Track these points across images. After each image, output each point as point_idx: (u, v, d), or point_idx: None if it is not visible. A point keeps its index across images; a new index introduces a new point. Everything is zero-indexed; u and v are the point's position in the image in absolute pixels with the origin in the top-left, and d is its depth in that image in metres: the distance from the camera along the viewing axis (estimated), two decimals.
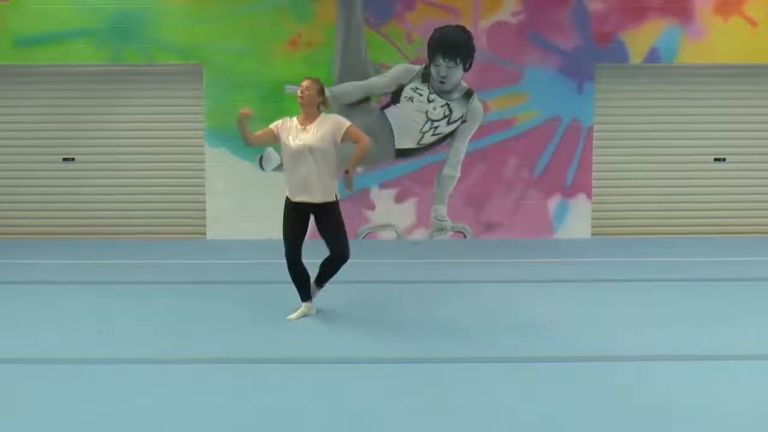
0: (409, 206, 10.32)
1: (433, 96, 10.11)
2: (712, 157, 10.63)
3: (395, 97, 10.11)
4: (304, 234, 6.02)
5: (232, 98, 10.12)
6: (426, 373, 4.84)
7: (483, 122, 10.22)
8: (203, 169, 10.33)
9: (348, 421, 4.05)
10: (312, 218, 6.03)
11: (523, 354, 5.20)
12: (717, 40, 10.20)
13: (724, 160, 10.62)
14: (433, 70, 10.12)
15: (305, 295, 6.19)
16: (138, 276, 7.90)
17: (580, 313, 6.30)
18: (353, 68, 10.13)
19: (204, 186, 10.36)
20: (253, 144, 6.14)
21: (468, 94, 10.13)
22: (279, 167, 10.23)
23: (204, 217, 10.39)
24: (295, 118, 6.01)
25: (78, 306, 6.63)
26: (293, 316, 6.14)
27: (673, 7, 10.18)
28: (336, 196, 6.02)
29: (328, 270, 6.16)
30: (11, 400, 4.37)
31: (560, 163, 10.31)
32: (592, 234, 10.45)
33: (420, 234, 10.24)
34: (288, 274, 6.10)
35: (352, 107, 10.10)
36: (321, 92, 5.96)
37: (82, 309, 6.51)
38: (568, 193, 10.36)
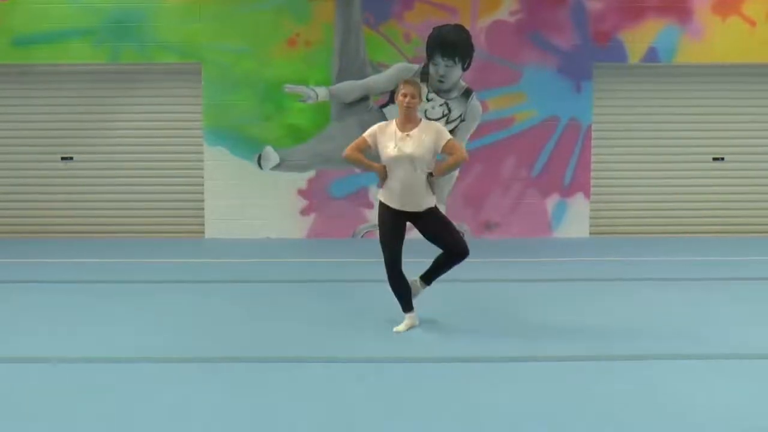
0: None
1: (431, 95, 10.11)
2: (710, 157, 10.64)
3: (394, 95, 10.10)
4: (403, 238, 5.70)
5: (230, 97, 10.14)
6: (424, 372, 4.84)
7: (481, 121, 10.23)
8: (202, 168, 10.33)
9: (343, 419, 4.06)
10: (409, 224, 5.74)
11: (522, 353, 5.20)
12: (715, 39, 10.21)
13: (722, 159, 10.63)
14: (431, 69, 10.12)
15: (408, 305, 5.80)
16: (136, 275, 7.90)
17: (579, 313, 6.30)
18: (352, 67, 10.13)
19: (202, 185, 10.35)
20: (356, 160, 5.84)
21: (467, 93, 10.13)
22: (277, 166, 10.24)
23: (202, 216, 10.39)
24: (393, 123, 5.68)
25: (76, 305, 6.62)
26: (400, 327, 5.74)
27: (671, 7, 10.18)
28: (434, 202, 5.73)
29: (443, 265, 5.80)
30: (11, 399, 4.37)
31: (558, 162, 10.31)
32: (591, 233, 10.45)
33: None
34: (389, 284, 5.75)
35: (350, 106, 10.11)
36: (420, 95, 5.69)
37: (80, 308, 6.50)
38: (567, 192, 10.37)
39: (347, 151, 5.82)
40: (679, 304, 6.63)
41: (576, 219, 10.38)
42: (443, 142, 5.62)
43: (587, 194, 10.40)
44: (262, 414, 4.14)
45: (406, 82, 5.71)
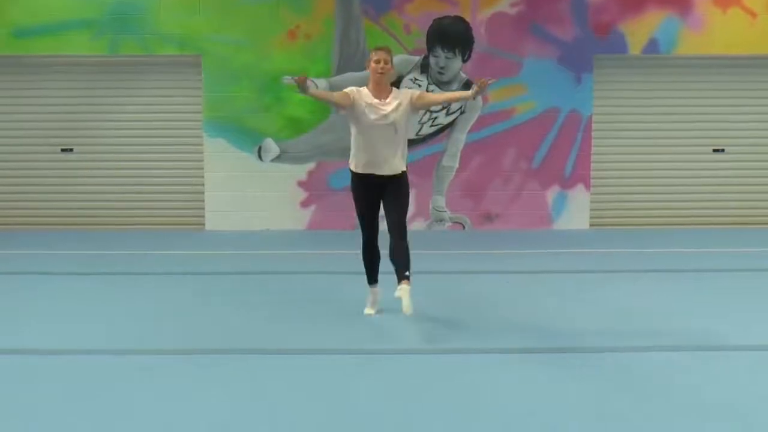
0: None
1: (431, 87, 10.09)
2: (710, 148, 10.63)
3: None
4: (380, 208, 5.67)
5: (230, 89, 10.13)
6: (423, 364, 4.85)
7: (482, 113, 10.22)
8: (202, 160, 10.34)
9: (342, 411, 4.07)
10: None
11: (522, 345, 5.21)
12: (716, 31, 10.18)
13: (722, 151, 10.62)
14: (431, 60, 10.10)
15: (374, 276, 5.90)
16: (136, 267, 7.90)
17: (578, 304, 6.31)
18: (352, 59, 10.12)
19: (203, 177, 10.36)
20: (318, 98, 5.75)
21: (467, 85, 10.12)
22: (277, 158, 10.24)
23: (203, 208, 10.40)
24: (364, 89, 5.57)
25: (74, 296, 6.63)
26: (370, 310, 5.90)
27: None
28: (405, 166, 5.67)
29: (400, 254, 5.49)
30: (9, 393, 4.38)
31: (559, 153, 10.31)
32: (591, 225, 10.46)
33: (420, 224, 10.24)
34: (362, 255, 5.82)
35: None
36: (392, 61, 5.61)
37: (79, 299, 6.51)
38: (567, 184, 10.36)
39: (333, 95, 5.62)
40: (680, 295, 6.63)
41: (576, 210, 10.38)
42: (415, 96, 5.57)
43: (587, 186, 10.40)
44: (260, 405, 4.16)
45: (378, 48, 5.63)
